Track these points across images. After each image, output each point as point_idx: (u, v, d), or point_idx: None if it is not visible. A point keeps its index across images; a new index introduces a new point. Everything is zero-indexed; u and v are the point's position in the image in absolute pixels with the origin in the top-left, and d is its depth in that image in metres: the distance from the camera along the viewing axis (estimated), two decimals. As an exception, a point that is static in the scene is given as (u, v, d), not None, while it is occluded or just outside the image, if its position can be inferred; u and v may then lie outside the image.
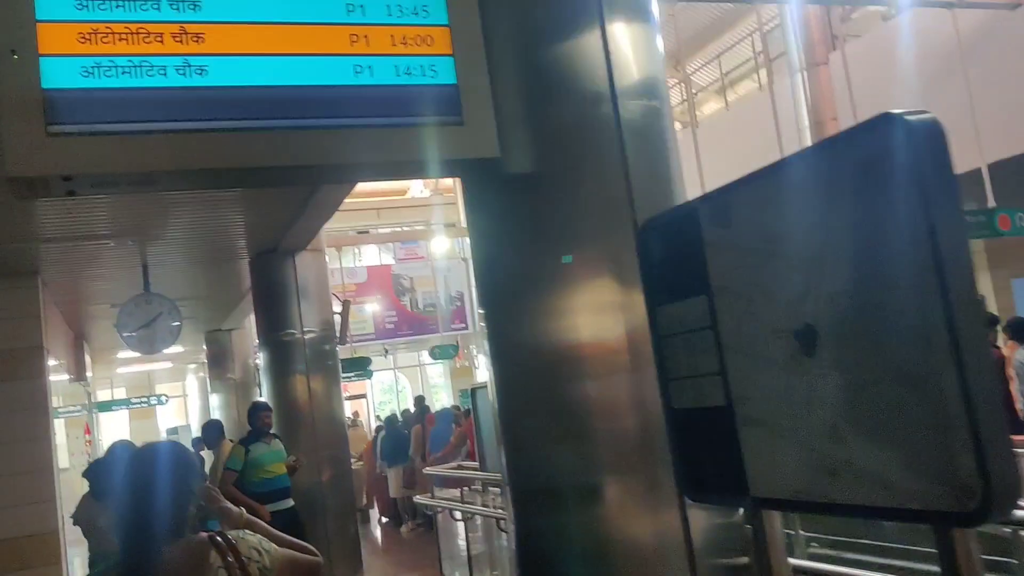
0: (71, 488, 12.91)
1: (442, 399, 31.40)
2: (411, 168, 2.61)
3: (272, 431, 7.12)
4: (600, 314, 2.57)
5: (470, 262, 23.09)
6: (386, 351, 21.75)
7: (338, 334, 8.58)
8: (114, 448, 5.65)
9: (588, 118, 2.57)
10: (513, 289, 2.67)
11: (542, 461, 2.65)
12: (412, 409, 14.05)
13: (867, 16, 13.09)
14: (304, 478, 7.47)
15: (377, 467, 12.50)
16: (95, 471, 5.67)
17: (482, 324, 2.82)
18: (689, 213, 2.21)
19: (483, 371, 21.94)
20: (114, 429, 22.24)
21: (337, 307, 8.59)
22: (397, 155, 2.43)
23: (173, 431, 24.90)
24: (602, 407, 2.57)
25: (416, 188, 29.19)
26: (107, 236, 6.85)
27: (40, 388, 7.33)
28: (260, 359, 8.96)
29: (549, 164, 2.57)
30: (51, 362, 8.70)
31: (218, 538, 2.22)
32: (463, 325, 21.73)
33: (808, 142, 10.63)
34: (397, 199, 27.57)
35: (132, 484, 2.25)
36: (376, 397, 35.44)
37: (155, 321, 8.15)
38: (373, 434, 14.52)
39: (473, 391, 7.14)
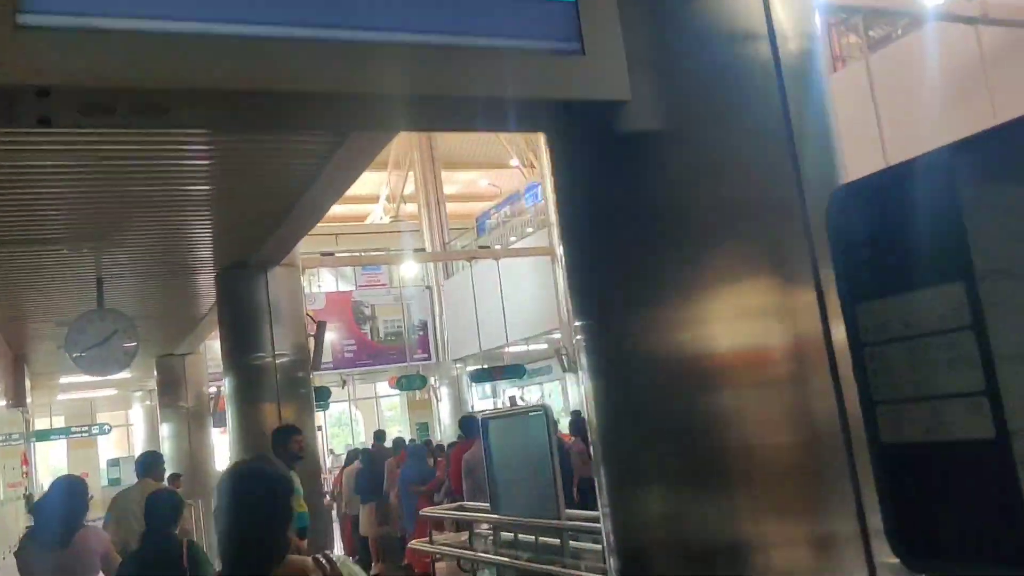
0: (2, 522, 11.90)
1: (394, 433, 30.46)
2: (504, 112, 1.94)
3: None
4: (752, 317, 1.95)
5: (436, 290, 22.49)
6: (343, 381, 20.88)
7: (312, 358, 7.84)
8: (56, 483, 4.89)
9: (740, 59, 1.97)
10: (634, 285, 2.03)
11: (664, 507, 2.01)
12: (370, 443, 13.26)
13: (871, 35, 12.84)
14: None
15: (344, 504, 11.67)
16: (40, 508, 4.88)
17: (579, 335, 2.19)
18: (931, 169, 1.58)
19: (445, 404, 21.22)
20: (52, 459, 20.98)
21: (311, 328, 7.85)
22: (487, 88, 1.78)
23: (115, 462, 23.66)
24: (751, 437, 1.93)
25: (376, 214, 28.51)
26: (61, 240, 6.06)
27: (-26, 413, 6.45)
28: (225, 385, 8.14)
29: (687, 117, 1.96)
30: (-12, 385, 7.80)
31: (322, 560, 2.20)
32: (426, 355, 20.97)
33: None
34: (356, 224, 26.84)
35: (236, 505, 2.18)
36: (328, 430, 34.35)
37: (109, 340, 7.34)
38: (333, 469, 13.65)
39: (485, 420, 6.42)
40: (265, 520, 2.15)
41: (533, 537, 5.56)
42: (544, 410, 5.61)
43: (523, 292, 16.83)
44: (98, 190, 5.20)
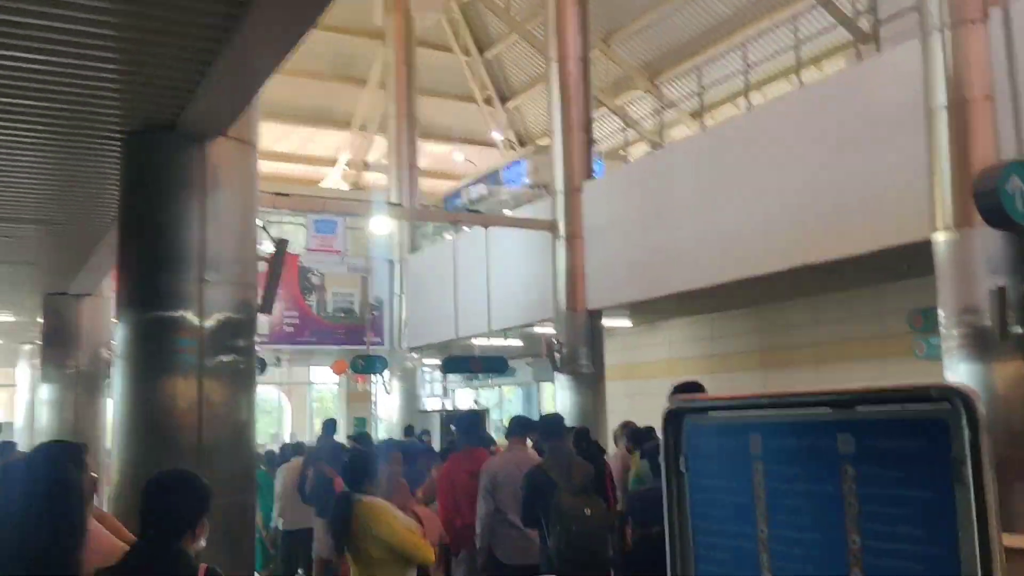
0: None
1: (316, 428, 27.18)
2: None
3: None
4: None
5: (397, 264, 19.49)
6: (278, 360, 17.72)
7: (261, 299, 4.92)
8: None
9: None
10: None
11: None
12: (302, 436, 10.04)
13: None
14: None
15: (278, 513, 8.67)
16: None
17: None
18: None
19: (395, 398, 18.20)
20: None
21: (265, 248, 4.90)
22: None
23: (-5, 428, 20.04)
24: None
25: (332, 179, 25.36)
26: None
27: None
28: (116, 336, 5.10)
29: None
30: None
31: None
32: (378, 340, 17.93)
33: (936, 125, 7.65)
34: (309, 187, 23.65)
35: None
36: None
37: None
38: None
39: (681, 416, 3.57)
40: None
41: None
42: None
43: (510, 273, 14.00)
44: None
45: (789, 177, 9.26)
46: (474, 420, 6.52)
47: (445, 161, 26.54)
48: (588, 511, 4.65)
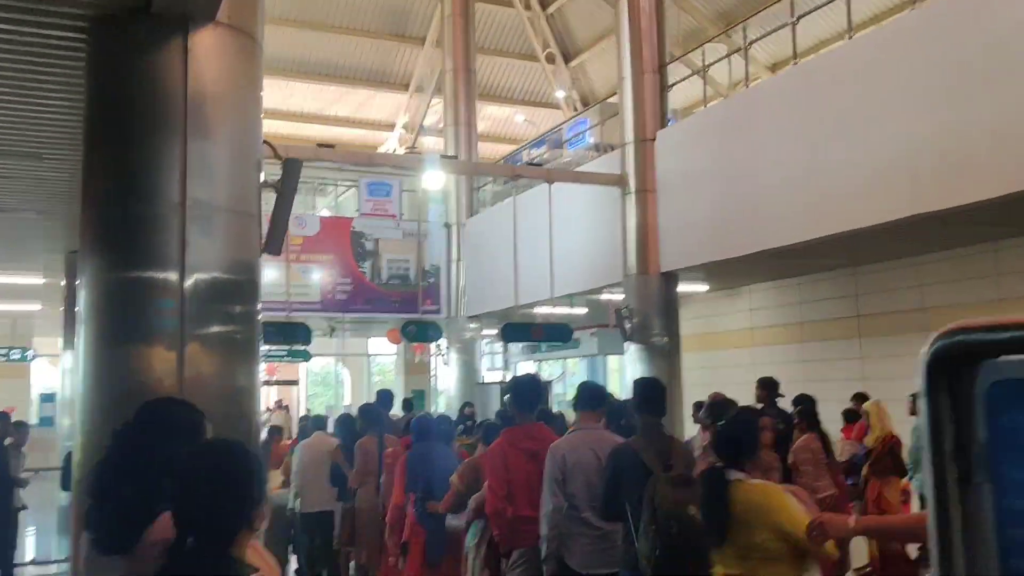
0: None
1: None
2: None
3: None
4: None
5: (455, 228, 18.54)
6: (332, 329, 16.94)
7: (266, 237, 3.93)
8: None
9: None
10: None
11: None
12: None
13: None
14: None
15: (293, 495, 7.75)
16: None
17: None
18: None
19: (452, 370, 17.30)
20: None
21: (271, 172, 3.89)
22: None
23: (49, 397, 19.75)
24: None
25: (390, 144, 24.49)
26: None
27: None
28: (79, 297, 4.10)
29: None
30: None
31: None
32: (435, 308, 17.02)
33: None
34: (365, 152, 22.77)
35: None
36: (306, 390, 30.18)
37: None
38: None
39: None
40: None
41: None
42: None
43: (575, 234, 12.89)
44: None
45: (898, 115, 7.96)
46: (534, 387, 5.23)
47: (505, 124, 25.45)
48: (693, 510, 3.53)
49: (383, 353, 25.30)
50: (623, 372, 18.84)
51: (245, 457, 2.14)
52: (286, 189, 3.86)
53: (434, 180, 12.53)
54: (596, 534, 4.33)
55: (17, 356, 16.71)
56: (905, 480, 8.34)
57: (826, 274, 12.45)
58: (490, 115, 24.86)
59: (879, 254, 11.03)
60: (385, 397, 8.52)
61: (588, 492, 4.30)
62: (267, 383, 22.49)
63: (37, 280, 10.84)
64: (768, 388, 8.28)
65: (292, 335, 10.14)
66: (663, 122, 11.45)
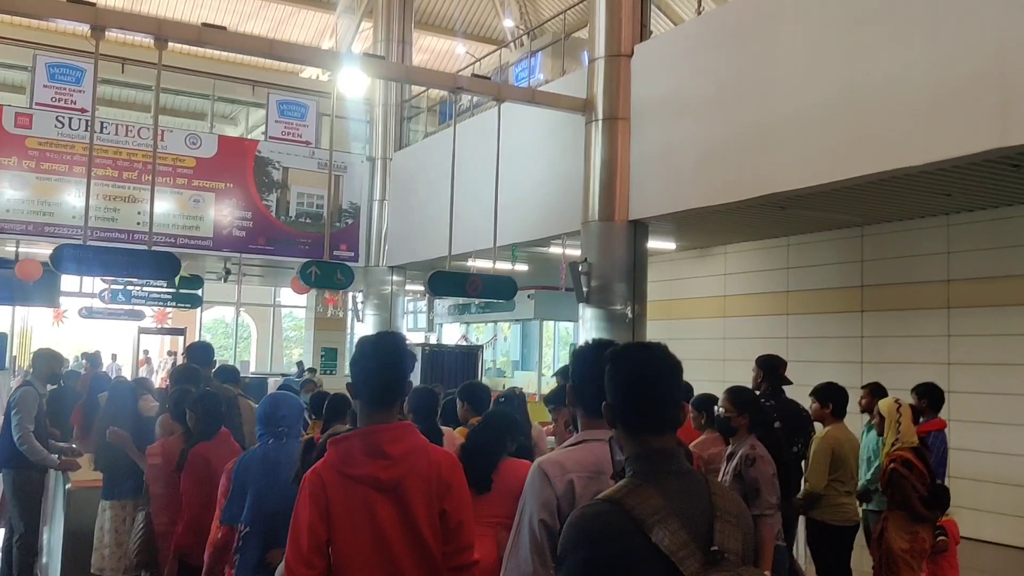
0: None
1: (295, 358, 23.87)
2: None
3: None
4: None
5: (381, 162, 16.00)
6: (227, 272, 14.32)
7: None
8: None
9: None
10: None
11: None
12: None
13: None
14: None
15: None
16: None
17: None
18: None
19: (367, 327, 14.92)
20: None
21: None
22: None
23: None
24: None
25: (312, 70, 21.66)
26: None
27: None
28: None
29: None
30: None
31: None
32: (350, 253, 14.53)
33: None
34: (285, 75, 19.98)
35: None
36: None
37: None
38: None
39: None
40: None
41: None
42: None
43: (525, 173, 10.61)
44: None
45: (983, 10, 5.87)
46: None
47: (445, 57, 22.87)
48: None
49: (294, 305, 22.70)
50: (570, 342, 16.71)
51: None
52: None
53: (354, 83, 10.04)
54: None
55: None
56: (945, 516, 5.61)
57: (825, 235, 10.40)
58: (428, 47, 22.28)
59: (900, 210, 9.01)
60: (201, 352, 6.25)
61: None
62: (146, 331, 19.76)
63: None
64: (766, 369, 6.17)
65: (153, 268, 7.62)
66: (644, 33, 9.19)
